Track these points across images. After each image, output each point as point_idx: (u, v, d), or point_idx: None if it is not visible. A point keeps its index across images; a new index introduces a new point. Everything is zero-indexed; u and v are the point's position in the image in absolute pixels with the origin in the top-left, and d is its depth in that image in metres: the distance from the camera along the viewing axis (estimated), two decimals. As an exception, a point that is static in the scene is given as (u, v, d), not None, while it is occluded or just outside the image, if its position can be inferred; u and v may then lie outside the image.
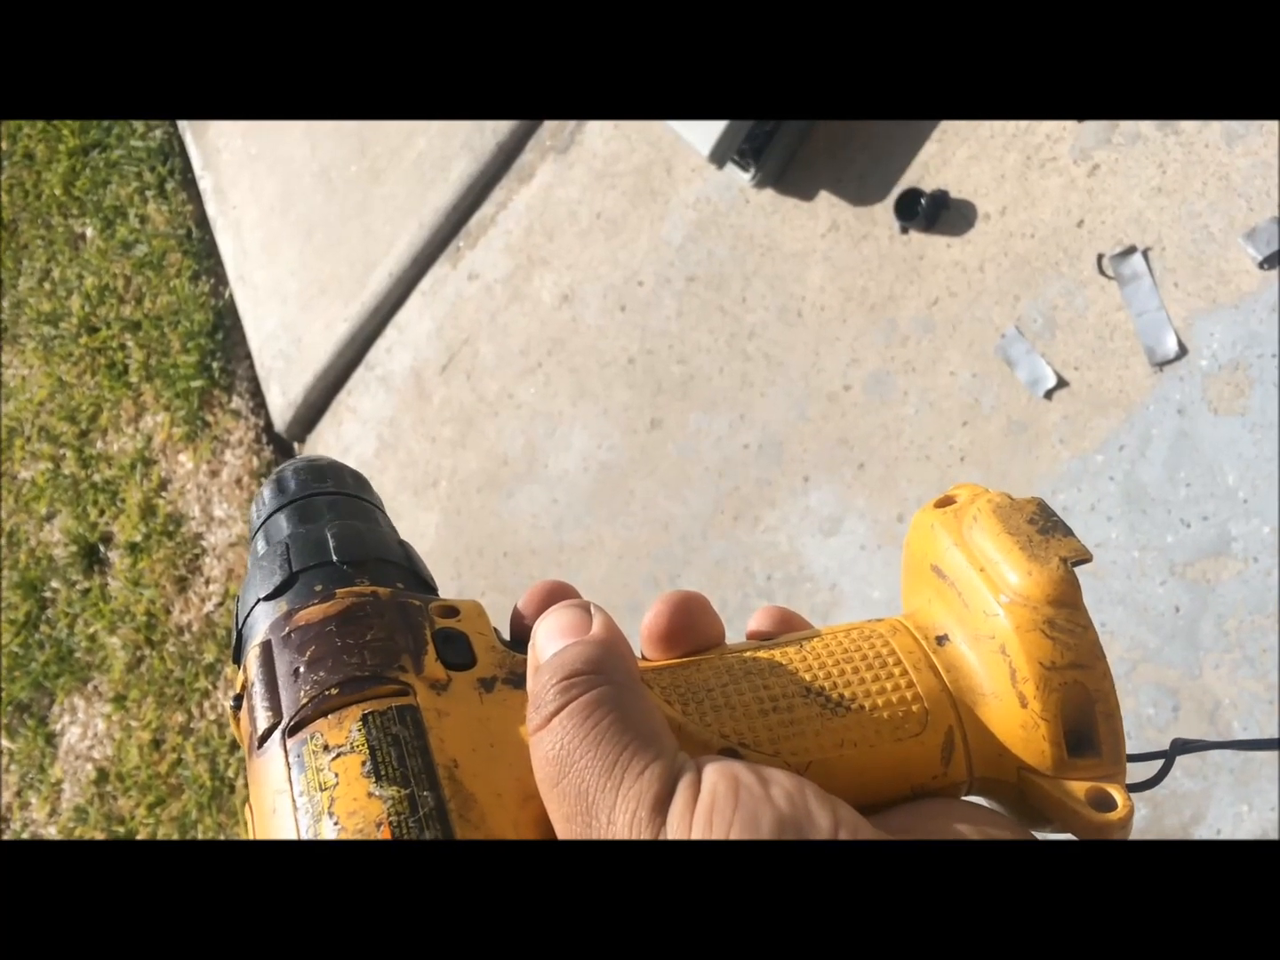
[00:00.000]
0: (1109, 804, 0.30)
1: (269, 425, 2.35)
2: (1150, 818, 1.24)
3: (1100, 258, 1.55)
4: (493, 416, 2.05)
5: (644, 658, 0.35)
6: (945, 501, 0.35)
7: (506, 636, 0.35)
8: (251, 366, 2.41)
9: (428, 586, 0.36)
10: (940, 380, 1.64)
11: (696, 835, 0.25)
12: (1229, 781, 1.21)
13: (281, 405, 2.30)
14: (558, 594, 0.35)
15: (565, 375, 1.99)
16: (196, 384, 2.42)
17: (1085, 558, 0.32)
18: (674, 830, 0.26)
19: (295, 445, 2.33)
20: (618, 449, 1.89)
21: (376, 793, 0.28)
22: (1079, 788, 0.30)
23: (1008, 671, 0.31)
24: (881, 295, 1.74)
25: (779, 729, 0.31)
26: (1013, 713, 0.31)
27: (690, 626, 0.34)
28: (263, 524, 0.37)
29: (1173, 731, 1.25)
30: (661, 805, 0.26)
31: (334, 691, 0.30)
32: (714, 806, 0.26)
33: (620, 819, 0.26)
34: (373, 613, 0.32)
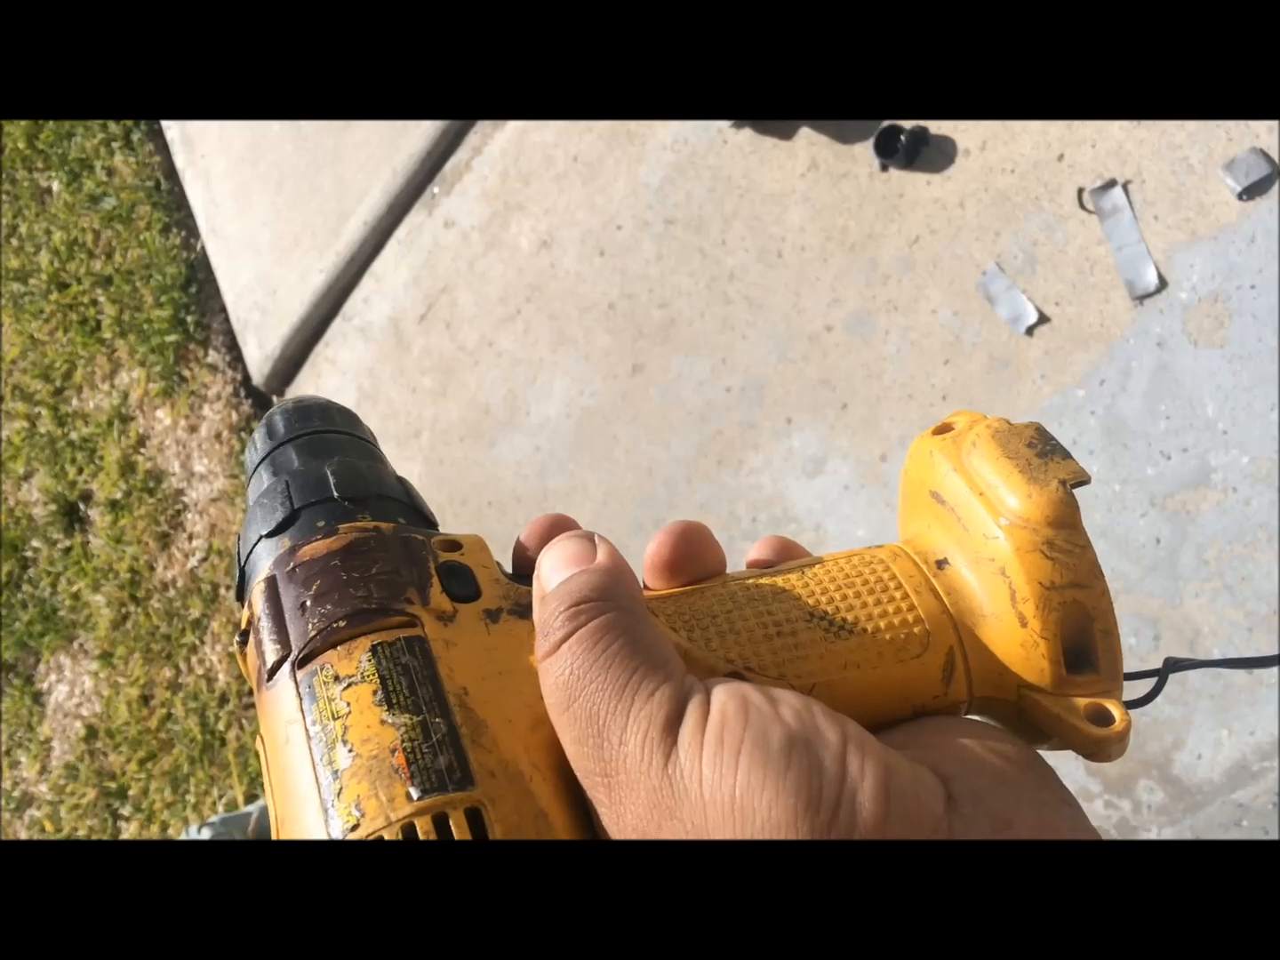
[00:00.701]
0: (1107, 719, 0.31)
1: (247, 379, 2.33)
2: (1133, 744, 1.26)
3: (1080, 191, 1.55)
4: (473, 365, 2.04)
5: (647, 588, 0.35)
6: (943, 428, 0.36)
7: (509, 570, 0.35)
8: (227, 320, 2.38)
9: (428, 522, 0.36)
10: (921, 319, 1.64)
11: (708, 754, 0.26)
12: (1209, 707, 1.23)
13: (259, 358, 2.28)
14: (560, 526, 0.35)
15: (545, 322, 1.98)
16: (171, 339, 2.39)
17: (1084, 479, 0.32)
18: (685, 749, 0.26)
19: (274, 399, 2.31)
20: (599, 395, 1.89)
21: (389, 720, 0.28)
22: (1078, 703, 0.31)
23: (1008, 592, 0.31)
24: (862, 234, 1.73)
25: (784, 653, 0.32)
26: (1013, 632, 0.31)
27: (692, 555, 0.34)
28: (266, 457, 0.37)
29: (1155, 660, 1.27)
30: (672, 726, 0.27)
31: (342, 624, 0.30)
32: (724, 725, 0.26)
33: (632, 739, 0.27)
34: (376, 547, 0.32)
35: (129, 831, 2.10)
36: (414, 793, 0.26)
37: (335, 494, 0.34)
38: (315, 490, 0.34)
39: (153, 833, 2.06)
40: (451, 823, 0.26)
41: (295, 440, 0.36)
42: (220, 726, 2.10)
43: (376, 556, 0.32)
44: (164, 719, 2.17)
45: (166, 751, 2.14)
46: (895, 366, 1.65)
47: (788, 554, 0.37)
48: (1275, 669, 1.15)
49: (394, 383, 2.13)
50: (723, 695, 0.27)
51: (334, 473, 0.35)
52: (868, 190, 1.73)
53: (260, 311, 2.30)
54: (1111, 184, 1.52)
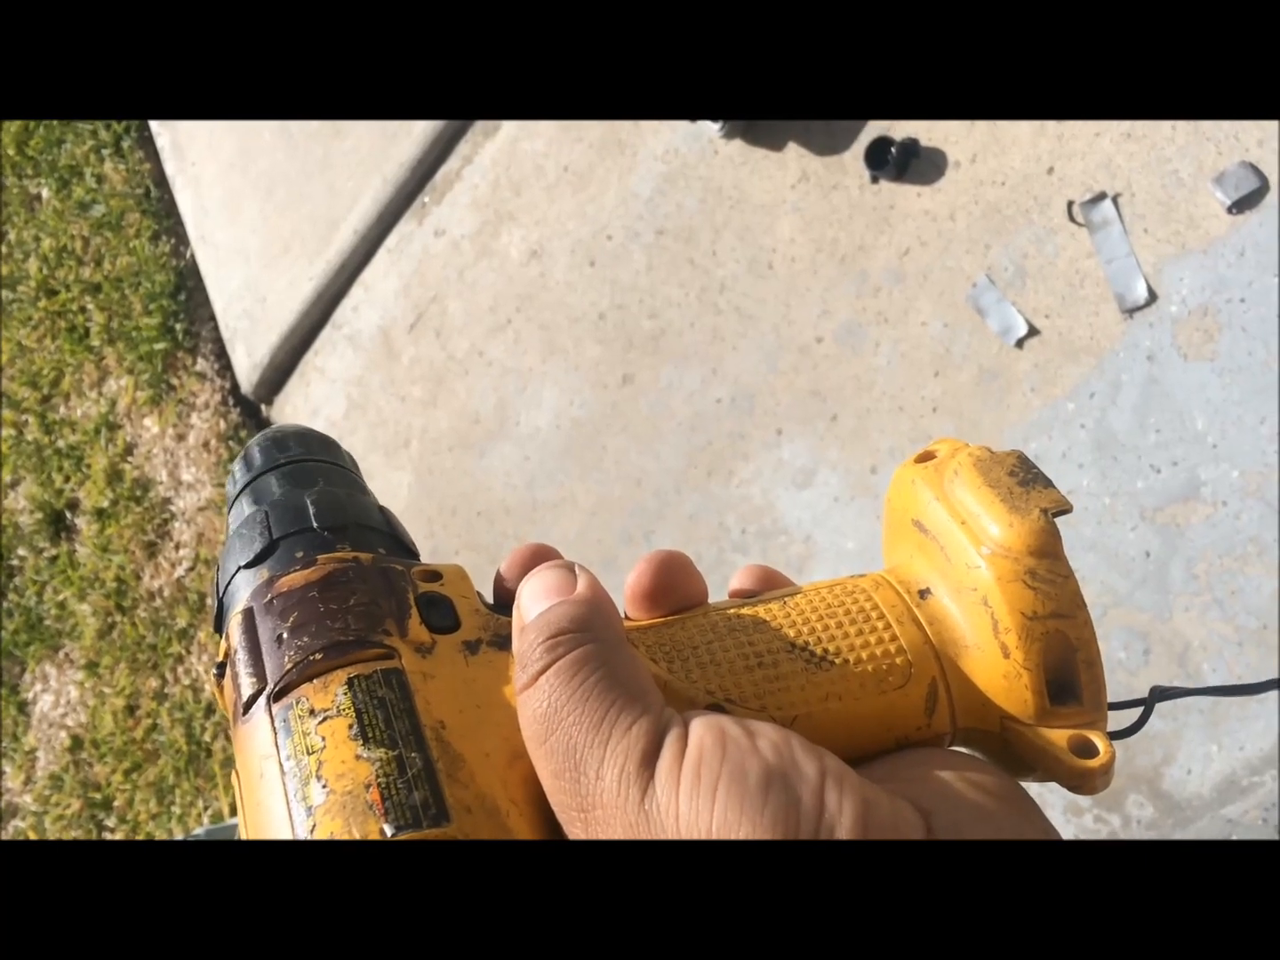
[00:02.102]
0: (1091, 751, 0.30)
1: (235, 387, 2.32)
2: (1123, 758, 1.25)
3: (1070, 204, 1.55)
4: (463, 375, 2.03)
5: (628, 618, 0.35)
6: (925, 456, 0.36)
7: (490, 600, 0.35)
8: (216, 328, 2.37)
9: (409, 551, 0.36)
10: (912, 330, 1.64)
11: (685, 788, 0.26)
12: (1199, 722, 1.23)
13: (247, 367, 2.27)
14: (540, 556, 0.34)
15: (535, 332, 1.98)
16: (160, 346, 2.38)
17: (1065, 508, 0.32)
18: (662, 784, 0.26)
19: (262, 407, 2.30)
20: (589, 405, 1.88)
21: (364, 755, 0.27)
22: (1061, 735, 0.31)
23: (990, 623, 0.31)
24: (852, 246, 1.73)
25: (764, 684, 0.31)
26: (995, 663, 0.31)
27: (673, 585, 0.34)
28: (246, 487, 0.36)
29: (1144, 674, 1.27)
30: (649, 759, 0.26)
31: (318, 656, 0.30)
32: (701, 759, 0.26)
33: (609, 773, 0.26)
34: (355, 578, 0.32)
35: (113, 843, 2.09)
36: (388, 829, 0.26)
37: (315, 524, 0.34)
38: (294, 520, 0.34)
39: (137, 845, 2.04)
40: None
41: (276, 470, 0.36)
42: (206, 737, 2.08)
43: (355, 587, 0.32)
44: (150, 729, 2.15)
45: (152, 762, 2.12)
46: (885, 378, 1.64)
47: (770, 583, 0.36)
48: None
49: (383, 392, 2.12)
50: (700, 728, 0.27)
51: (314, 502, 0.34)
52: (858, 202, 1.73)
53: (249, 319, 2.29)
54: (1101, 197, 1.52)
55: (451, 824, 0.27)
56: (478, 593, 0.34)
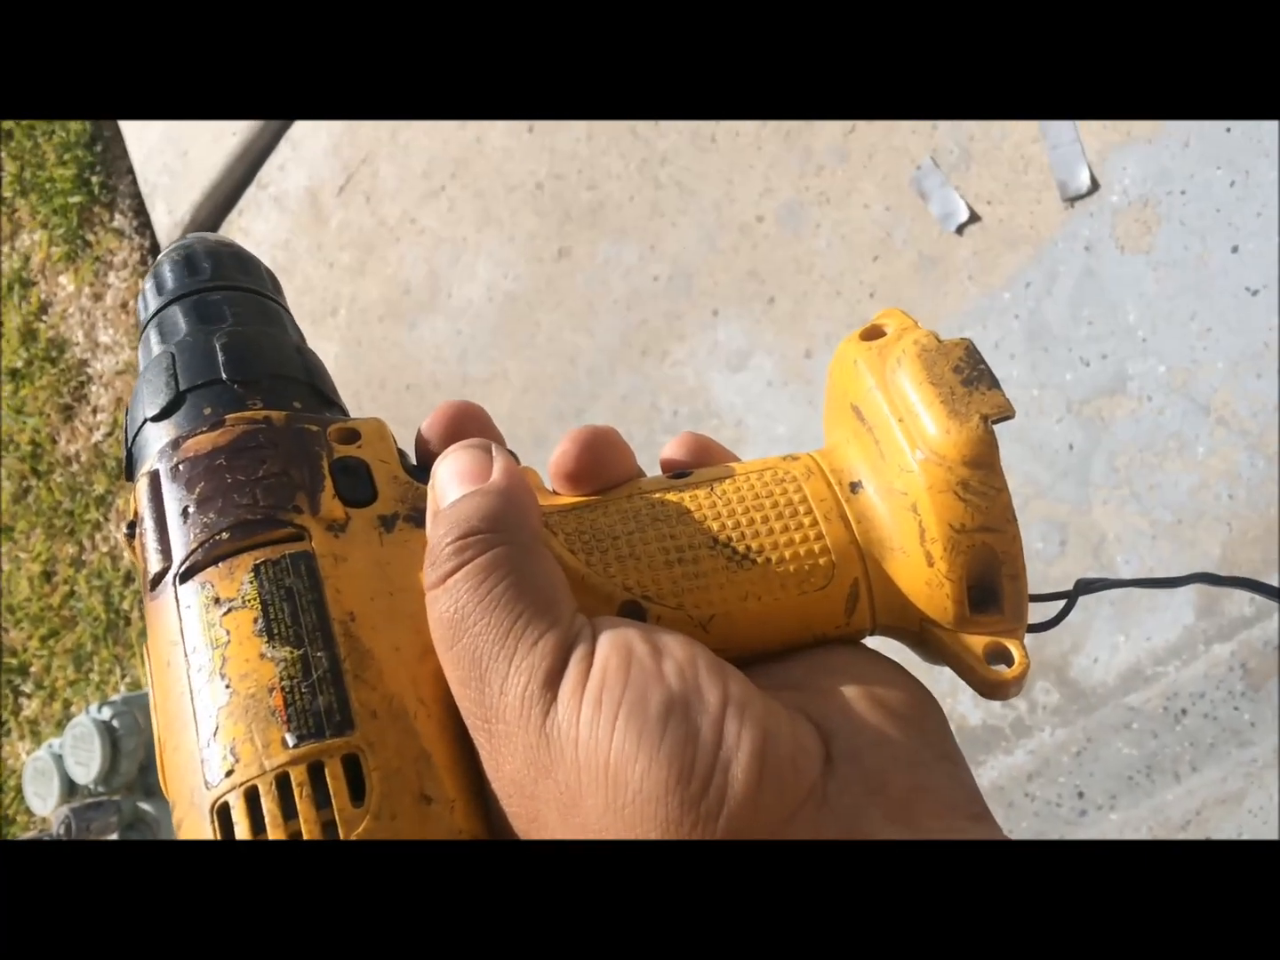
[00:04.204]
0: (1007, 658, 0.31)
1: (155, 246, 2.22)
2: (1032, 647, 1.27)
3: (1021, 87, 1.51)
4: (394, 242, 1.96)
5: (554, 492, 0.34)
6: (872, 333, 0.34)
7: (412, 459, 0.34)
8: (134, 182, 2.26)
9: (328, 401, 0.34)
10: (853, 213, 1.60)
11: (585, 715, 0.25)
12: (1109, 613, 1.25)
13: (168, 225, 2.17)
14: (463, 418, 0.33)
15: (470, 200, 1.91)
16: (75, 199, 2.26)
17: (1008, 413, 0.31)
18: (564, 707, 0.26)
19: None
20: (523, 279, 1.83)
21: (269, 654, 0.27)
22: (978, 642, 0.31)
23: (917, 530, 0.31)
24: (798, 121, 1.67)
25: (684, 581, 0.31)
26: (919, 569, 0.31)
27: (599, 463, 0.33)
28: (154, 317, 0.34)
29: (1060, 564, 1.29)
30: (553, 680, 0.26)
31: (224, 536, 0.29)
32: (604, 684, 0.26)
33: (512, 690, 0.26)
34: (265, 443, 0.30)
35: (30, 709, 2.07)
36: (290, 739, 0.26)
37: (224, 375, 0.32)
38: (203, 370, 0.32)
39: (54, 710, 2.02)
40: (327, 772, 0.26)
41: (183, 299, 0.34)
42: (125, 605, 2.05)
43: (265, 454, 0.30)
44: (67, 596, 2.11)
45: (69, 629, 2.09)
46: (825, 261, 1.61)
47: (703, 454, 0.35)
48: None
49: (310, 257, 2.04)
50: (607, 646, 0.27)
51: (224, 348, 0.32)
52: (806, 75, 1.67)
53: (170, 175, 2.18)
54: (1052, 80, 1.48)
55: (355, 732, 0.26)
56: (399, 451, 0.33)
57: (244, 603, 0.28)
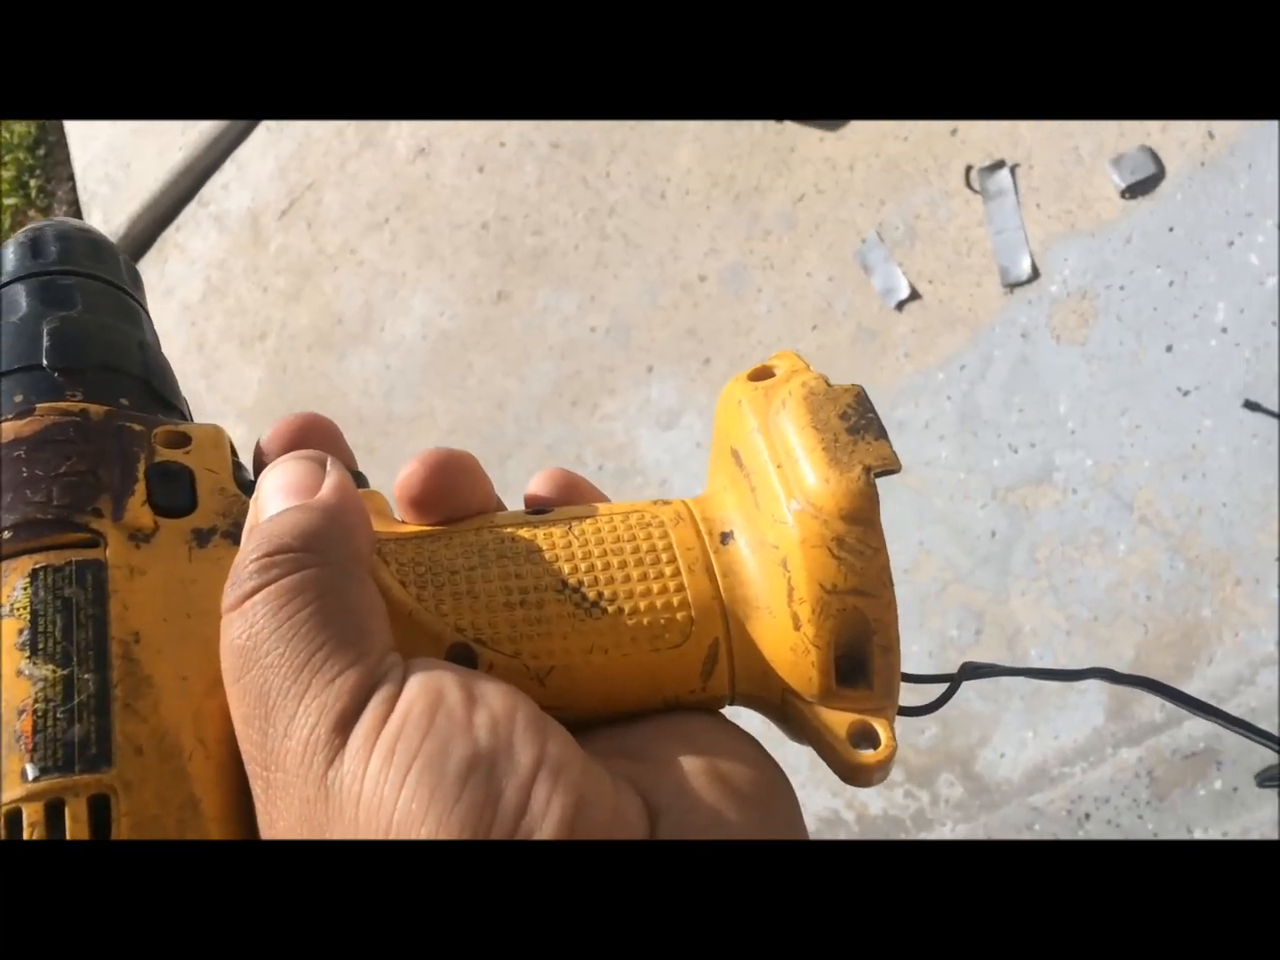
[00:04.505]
0: (871, 740, 0.28)
1: (88, 255, 2.16)
2: (939, 736, 1.24)
3: (969, 169, 1.50)
4: (331, 271, 1.91)
5: (402, 521, 0.31)
6: (761, 373, 0.32)
7: (252, 475, 0.31)
8: (74, 189, 2.20)
9: (163, 403, 0.31)
10: (796, 280, 1.58)
11: (374, 766, 0.22)
12: (1019, 707, 1.22)
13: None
14: (309, 430, 0.30)
15: (413, 234, 1.87)
16: (10, 201, 2.20)
17: (892, 467, 0.28)
18: (352, 755, 0.22)
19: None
20: (460, 318, 1.79)
21: (27, 671, 0.24)
22: (842, 720, 0.28)
23: (785, 588, 0.28)
24: (749, 184, 1.66)
25: (523, 626, 0.28)
26: (784, 633, 0.28)
27: (449, 489, 0.30)
28: None
29: (973, 653, 1.25)
30: (345, 724, 0.23)
31: (7, 535, 0.26)
32: (401, 733, 0.22)
33: (297, 733, 0.23)
34: (75, 437, 0.27)
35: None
36: (31, 770, 0.23)
37: (45, 362, 0.29)
38: (24, 353, 0.29)
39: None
40: (67, 813, 0.22)
41: (28, 279, 0.31)
42: None
43: (72, 450, 0.27)
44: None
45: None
46: (764, 325, 1.59)
47: (570, 493, 0.32)
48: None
49: (245, 279, 1.99)
50: (415, 690, 0.23)
51: (51, 333, 0.29)
52: (760, 139, 1.66)
53: (110, 185, 2.12)
54: (1000, 165, 1.48)
55: (111, 769, 0.23)
56: (236, 463, 0.30)
57: (11, 610, 0.25)
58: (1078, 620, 1.21)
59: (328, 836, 0.22)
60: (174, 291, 2.03)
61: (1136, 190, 1.39)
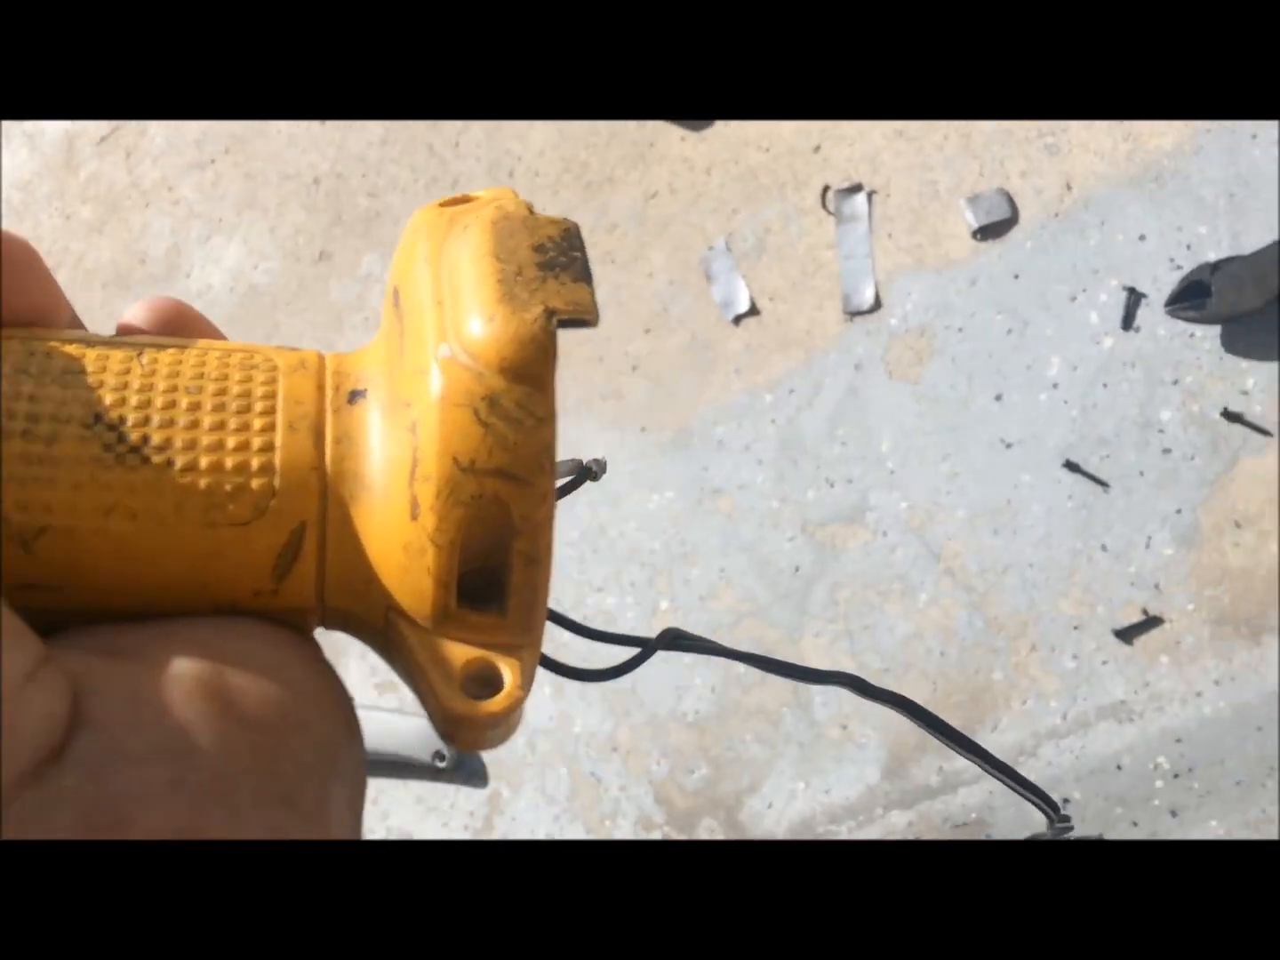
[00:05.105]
0: (491, 685, 0.21)
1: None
2: (708, 778, 1.14)
3: (825, 190, 1.43)
4: (143, 207, 1.74)
5: None
6: (461, 199, 0.25)
7: None
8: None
9: None
10: (636, 279, 1.49)
11: None
12: (795, 755, 1.13)
13: (-105, 133, 1.90)
14: None
15: (238, 179, 1.71)
16: None
17: (586, 316, 0.21)
18: None
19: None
20: (274, 274, 1.64)
21: None
22: (458, 654, 0.21)
23: (409, 460, 0.21)
24: (602, 174, 1.56)
25: (22, 465, 0.20)
26: (398, 524, 0.21)
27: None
28: None
29: (756, 692, 1.15)
30: None
31: None
32: None
33: None
34: None
35: None
36: None
37: None
38: None
39: None
40: None
41: None
42: None
43: None
44: None
45: None
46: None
47: (177, 325, 0.24)
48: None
49: (48, 203, 1.80)
50: None
51: None
52: (619, 130, 1.56)
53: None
54: (857, 189, 1.41)
55: None
56: None
57: None
58: (868, 669, 1.13)
59: None
60: (-36, 205, 1.83)
61: (989, 232, 1.33)
